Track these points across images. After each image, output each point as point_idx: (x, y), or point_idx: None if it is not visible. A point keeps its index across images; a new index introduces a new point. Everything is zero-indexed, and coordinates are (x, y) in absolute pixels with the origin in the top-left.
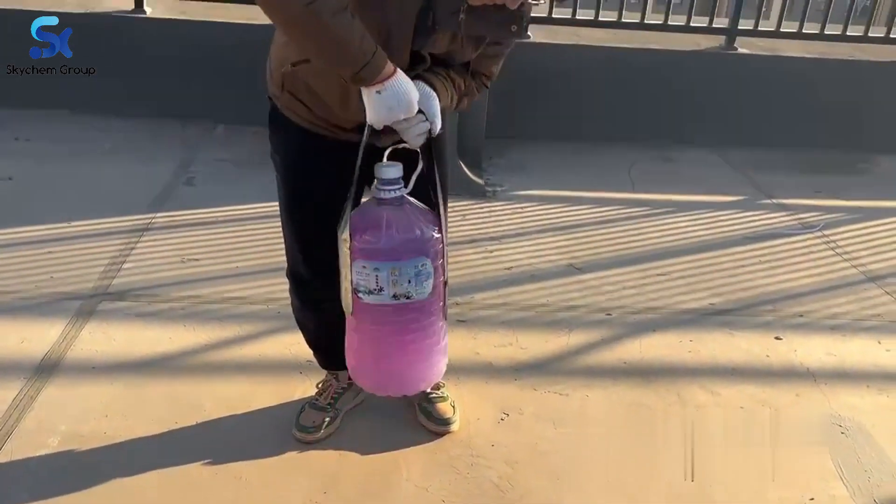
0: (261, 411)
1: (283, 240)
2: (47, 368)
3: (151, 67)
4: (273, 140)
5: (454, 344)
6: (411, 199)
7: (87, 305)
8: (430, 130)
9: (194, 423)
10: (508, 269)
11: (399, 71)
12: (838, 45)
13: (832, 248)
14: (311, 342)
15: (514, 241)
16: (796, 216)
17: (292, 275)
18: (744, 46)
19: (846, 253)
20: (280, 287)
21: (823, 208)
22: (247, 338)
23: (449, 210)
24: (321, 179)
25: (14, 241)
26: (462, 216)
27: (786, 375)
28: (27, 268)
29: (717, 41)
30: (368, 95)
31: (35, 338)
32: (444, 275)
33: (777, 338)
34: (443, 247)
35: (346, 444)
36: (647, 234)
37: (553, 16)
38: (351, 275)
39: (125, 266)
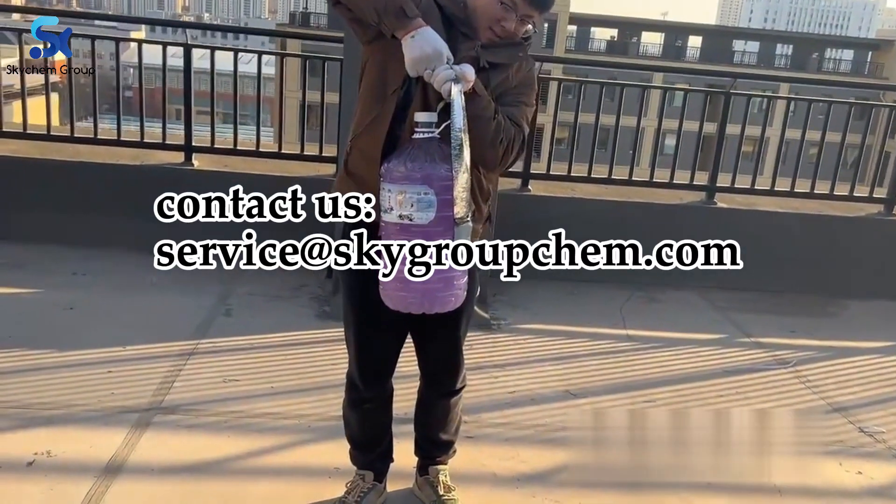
0: None
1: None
2: (113, 469)
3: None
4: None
5: (463, 455)
6: (442, 145)
7: (143, 418)
8: (456, 79)
9: None
10: (511, 393)
11: (429, 26)
12: (808, 201)
13: (803, 382)
14: (350, 438)
15: (516, 368)
16: (772, 353)
17: (349, 376)
18: (722, 201)
19: (815, 386)
20: (310, 404)
21: (796, 346)
22: (282, 447)
23: None
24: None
25: (78, 362)
26: (469, 346)
27: (756, 490)
28: (91, 385)
29: (698, 196)
30: (405, 42)
31: (101, 444)
32: (453, 212)
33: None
34: (452, 185)
35: None
36: (635, 365)
37: (551, 172)
38: (379, 195)
39: (175, 385)
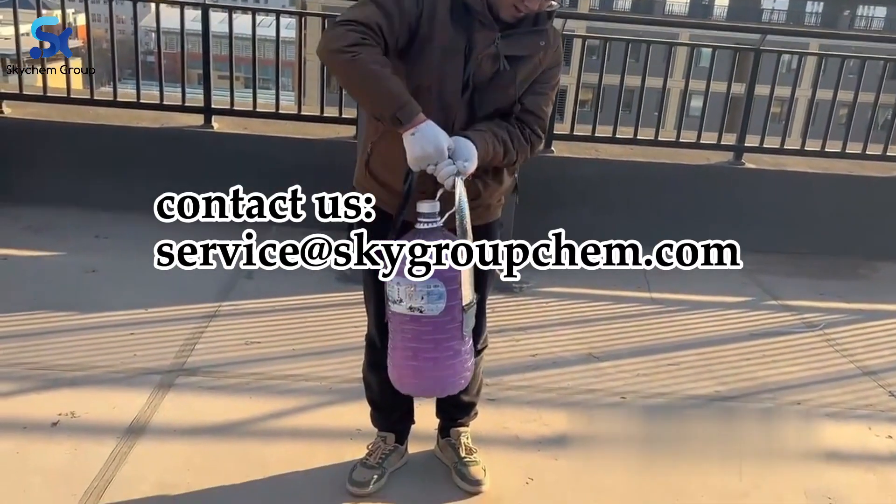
0: (318, 469)
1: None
2: (137, 430)
3: (216, 174)
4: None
5: (485, 418)
6: (446, 232)
7: (166, 379)
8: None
9: (262, 476)
10: (533, 356)
11: (430, 120)
12: (839, 161)
13: (832, 346)
14: (371, 399)
15: (538, 331)
16: (800, 316)
17: (368, 338)
18: (751, 161)
19: (844, 350)
20: (331, 366)
21: (825, 310)
22: (303, 409)
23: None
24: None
25: (100, 324)
26: (492, 309)
27: (783, 455)
28: (113, 346)
29: (725, 156)
30: (406, 139)
31: (124, 405)
32: (461, 301)
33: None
34: (459, 276)
35: (393, 499)
36: (659, 328)
37: (574, 132)
38: (386, 285)
39: (197, 347)
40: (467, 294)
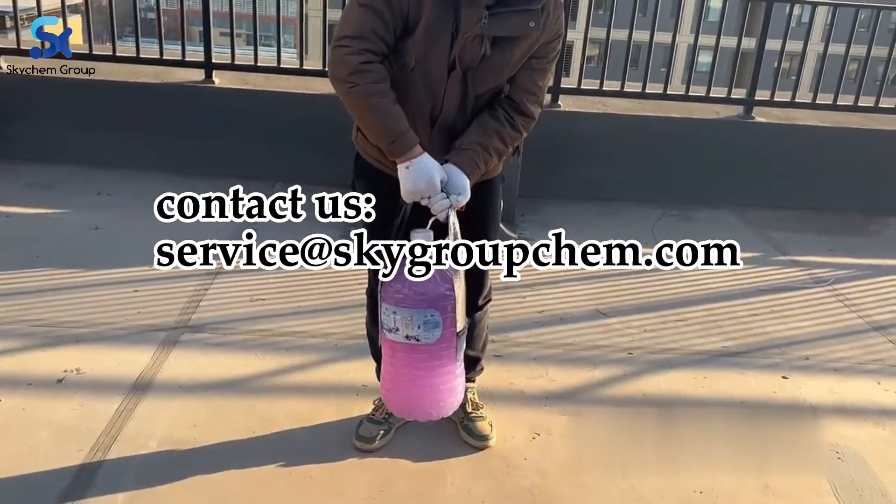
0: (325, 424)
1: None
2: (142, 386)
3: (217, 130)
4: (355, 171)
5: (491, 374)
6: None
7: (171, 336)
8: (452, 206)
9: (269, 432)
10: (540, 312)
11: (426, 154)
12: (851, 114)
13: (841, 301)
14: (375, 354)
15: (545, 288)
16: (809, 272)
17: (369, 292)
18: (761, 115)
19: (854, 305)
20: (337, 323)
21: (835, 265)
22: (309, 365)
23: None
24: (386, 204)
25: (105, 281)
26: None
27: (791, 408)
28: (118, 303)
29: (735, 110)
30: (400, 171)
31: (129, 361)
32: (456, 327)
33: (784, 377)
34: (454, 304)
35: (399, 454)
36: (667, 284)
37: (582, 87)
38: (380, 314)
39: (202, 304)
40: (461, 321)
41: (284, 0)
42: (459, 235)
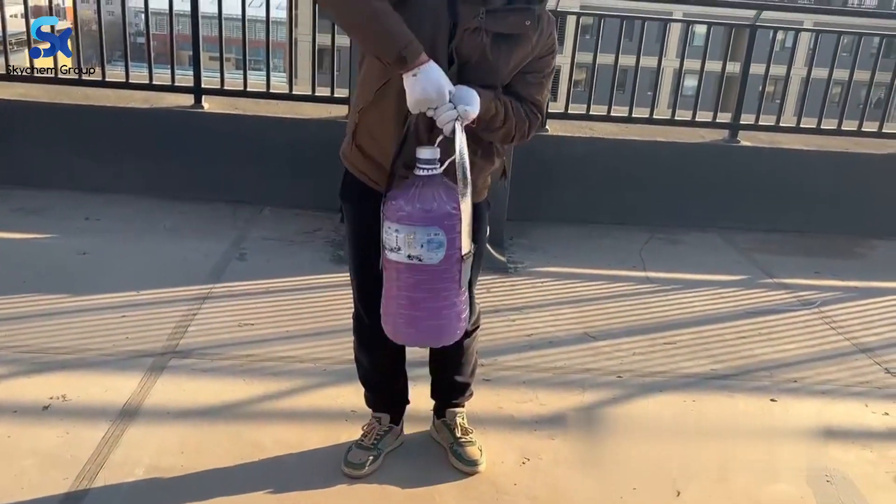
0: (313, 451)
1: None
2: (129, 413)
3: (206, 155)
4: (342, 193)
5: (480, 398)
6: (446, 180)
7: (158, 362)
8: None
9: (257, 459)
10: (529, 336)
11: (433, 61)
12: (834, 138)
13: (828, 323)
14: (363, 379)
15: (534, 311)
16: (795, 294)
17: (356, 317)
18: (746, 139)
19: (840, 327)
20: (325, 348)
21: (821, 287)
22: (298, 390)
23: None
24: (373, 227)
25: (93, 306)
26: (487, 289)
27: (780, 433)
28: (106, 329)
29: (720, 135)
30: (406, 80)
31: (116, 387)
32: (459, 250)
33: (772, 399)
34: (459, 223)
35: (388, 480)
36: (655, 307)
37: (569, 111)
38: (382, 233)
39: (190, 329)
40: (466, 244)
41: (274, 25)
42: (467, 153)
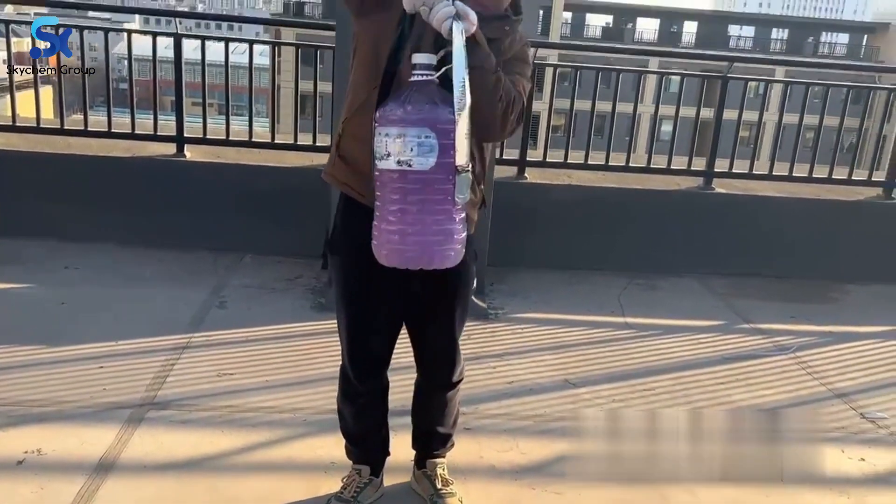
0: None
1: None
2: (105, 467)
3: (188, 203)
4: (331, 244)
5: (461, 448)
6: (442, 89)
7: (136, 413)
8: (457, 16)
9: None
10: (510, 383)
11: None
12: (806, 185)
13: (804, 368)
14: (345, 431)
15: (514, 358)
16: (772, 339)
17: (342, 368)
18: (720, 186)
19: (816, 372)
20: (305, 398)
21: (797, 332)
22: (277, 441)
23: None
24: (364, 283)
25: (70, 357)
26: (467, 336)
27: (759, 480)
28: (82, 380)
29: (696, 181)
30: None
31: (93, 440)
32: (454, 159)
33: None
34: (454, 130)
35: None
36: (634, 353)
37: (547, 160)
38: (373, 143)
39: (168, 380)
40: (462, 154)
41: (257, 71)
42: (465, 57)
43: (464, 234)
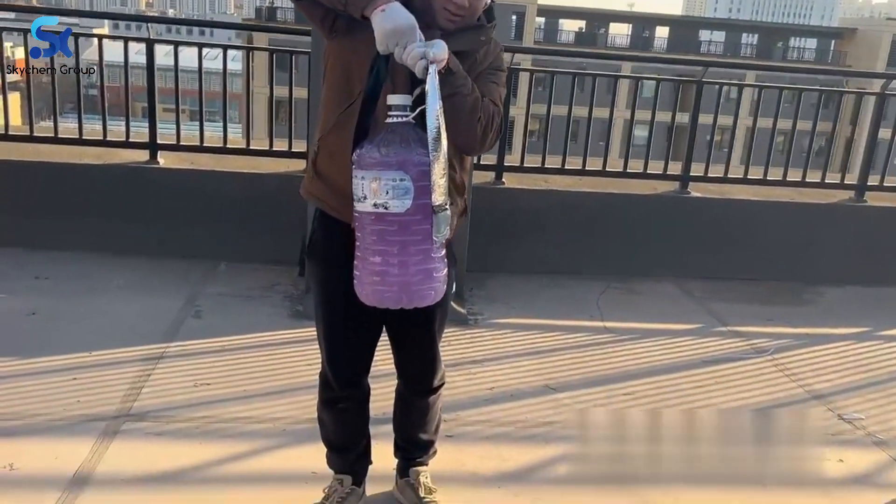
0: None
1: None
2: (80, 481)
3: (162, 211)
4: (310, 251)
5: (443, 455)
6: (418, 130)
7: (111, 426)
8: (427, 57)
9: None
10: (490, 389)
11: (398, 2)
12: (781, 188)
13: (782, 371)
14: (326, 439)
15: (494, 364)
16: (749, 342)
17: (321, 375)
18: (696, 190)
19: (794, 374)
20: (284, 407)
21: (774, 335)
22: (256, 452)
23: None
24: (343, 291)
25: (42, 369)
26: (447, 342)
27: (739, 482)
28: (55, 393)
29: (672, 186)
30: (375, 17)
31: (67, 454)
32: (430, 200)
33: None
34: (429, 171)
35: None
36: (613, 358)
37: (524, 164)
38: (353, 186)
39: (143, 391)
40: (438, 194)
41: (230, 77)
42: (440, 97)
43: (444, 271)
